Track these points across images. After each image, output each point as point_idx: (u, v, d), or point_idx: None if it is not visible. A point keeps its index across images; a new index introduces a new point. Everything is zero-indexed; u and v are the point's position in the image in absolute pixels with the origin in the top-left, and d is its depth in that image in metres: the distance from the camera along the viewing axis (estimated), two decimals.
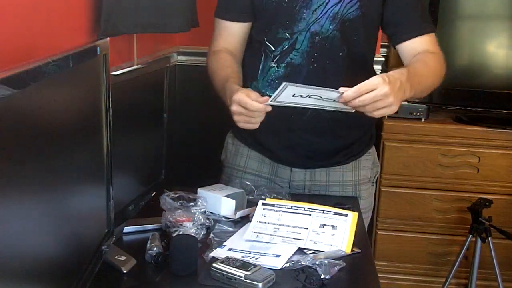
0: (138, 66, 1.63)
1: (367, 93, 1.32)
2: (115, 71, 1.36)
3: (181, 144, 2.71)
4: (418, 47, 1.60)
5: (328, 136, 1.67)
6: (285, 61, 1.60)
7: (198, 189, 1.62)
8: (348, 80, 1.58)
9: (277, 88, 1.34)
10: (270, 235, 1.44)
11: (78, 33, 1.62)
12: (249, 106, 1.39)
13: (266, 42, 1.62)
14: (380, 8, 1.60)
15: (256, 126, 1.45)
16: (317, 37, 1.57)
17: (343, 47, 1.59)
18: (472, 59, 2.71)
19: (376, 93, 1.32)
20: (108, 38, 1.21)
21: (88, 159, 1.15)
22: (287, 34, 1.59)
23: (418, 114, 2.57)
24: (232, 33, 1.69)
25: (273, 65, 1.62)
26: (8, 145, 0.77)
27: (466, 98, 2.65)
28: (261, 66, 1.65)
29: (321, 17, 1.56)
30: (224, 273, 1.23)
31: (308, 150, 1.68)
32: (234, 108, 1.42)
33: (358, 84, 1.33)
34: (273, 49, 1.61)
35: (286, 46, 1.60)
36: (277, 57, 1.61)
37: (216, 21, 1.71)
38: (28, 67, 0.84)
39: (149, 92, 1.61)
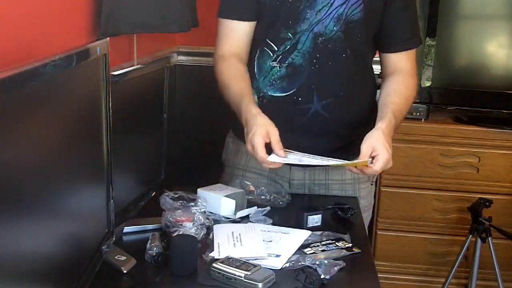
0: (138, 66, 1.63)
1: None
2: (115, 71, 1.36)
3: (181, 144, 2.71)
4: (400, 62, 1.67)
5: (328, 136, 1.67)
6: (287, 61, 1.60)
7: (198, 189, 1.62)
8: (349, 82, 1.60)
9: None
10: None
11: (78, 33, 1.62)
12: (259, 159, 1.45)
13: (268, 41, 1.62)
14: (380, 13, 1.61)
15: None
16: (320, 38, 1.57)
17: (346, 48, 1.59)
18: (472, 59, 2.71)
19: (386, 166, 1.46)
20: (108, 38, 1.21)
21: (88, 159, 1.15)
22: (290, 34, 1.58)
23: (418, 114, 2.57)
24: (238, 34, 1.66)
25: (276, 65, 1.62)
26: (8, 145, 0.77)
27: (466, 98, 2.65)
28: (257, 65, 1.65)
29: (325, 18, 1.56)
30: (224, 273, 1.23)
31: (308, 150, 1.68)
32: (249, 148, 1.48)
33: (374, 167, 1.45)
34: (276, 48, 1.61)
35: (289, 46, 1.59)
36: (280, 57, 1.61)
37: (220, 22, 1.67)
38: (28, 67, 0.84)
39: (149, 92, 1.61)
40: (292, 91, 1.61)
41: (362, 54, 1.65)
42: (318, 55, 1.58)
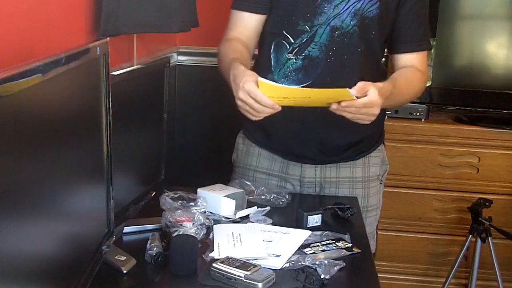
0: (138, 66, 1.63)
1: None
2: (115, 71, 1.36)
3: (181, 144, 2.71)
4: (410, 63, 1.69)
5: (339, 130, 1.68)
6: (303, 54, 1.62)
7: (198, 189, 1.62)
8: (362, 76, 1.63)
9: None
10: None
11: (78, 33, 1.62)
12: (258, 98, 1.36)
13: (285, 33, 1.64)
14: (393, 12, 1.64)
15: (259, 118, 1.42)
16: (336, 32, 1.60)
17: (361, 44, 1.62)
18: (472, 59, 2.71)
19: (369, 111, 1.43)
20: (108, 38, 1.21)
21: (88, 159, 1.15)
22: (307, 27, 1.61)
23: (418, 114, 2.57)
24: (247, 25, 1.70)
25: (291, 57, 1.64)
26: (8, 145, 0.77)
27: (466, 98, 2.65)
28: (274, 58, 1.67)
29: (342, 12, 1.59)
30: (224, 273, 1.23)
31: (319, 143, 1.70)
32: (241, 96, 1.38)
33: (358, 100, 1.40)
34: (292, 41, 1.63)
35: (305, 39, 1.62)
36: (296, 49, 1.63)
37: (232, 13, 1.72)
38: (28, 67, 0.84)
39: (149, 92, 1.61)
40: (307, 83, 1.63)
41: (374, 52, 1.67)
42: (334, 48, 1.61)
